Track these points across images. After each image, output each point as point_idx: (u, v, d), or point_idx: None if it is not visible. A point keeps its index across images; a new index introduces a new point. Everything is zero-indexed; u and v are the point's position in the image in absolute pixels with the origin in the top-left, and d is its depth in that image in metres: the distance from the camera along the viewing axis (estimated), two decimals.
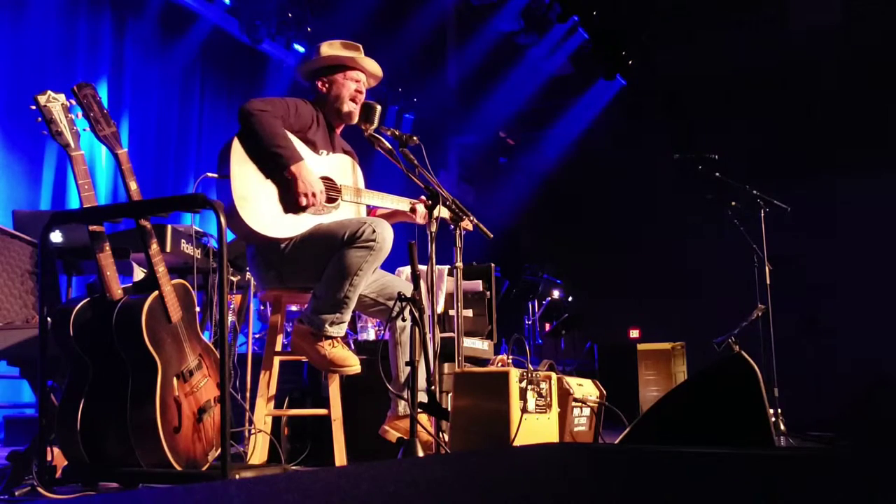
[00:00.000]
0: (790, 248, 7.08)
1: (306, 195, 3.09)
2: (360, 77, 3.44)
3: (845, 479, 1.61)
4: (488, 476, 1.66)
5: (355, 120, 3.37)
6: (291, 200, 3.10)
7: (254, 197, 3.05)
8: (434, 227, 3.14)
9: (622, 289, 9.53)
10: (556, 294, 8.66)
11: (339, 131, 3.49)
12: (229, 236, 2.93)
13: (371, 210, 3.50)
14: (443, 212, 3.21)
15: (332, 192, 3.25)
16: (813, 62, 8.61)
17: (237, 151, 3.06)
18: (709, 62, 8.94)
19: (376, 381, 3.15)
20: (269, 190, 3.10)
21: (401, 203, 3.46)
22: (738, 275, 6.28)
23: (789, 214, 5.71)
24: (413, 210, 3.45)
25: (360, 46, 3.45)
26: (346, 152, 3.46)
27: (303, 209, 3.12)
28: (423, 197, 3.39)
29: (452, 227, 3.27)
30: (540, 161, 10.61)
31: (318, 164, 3.23)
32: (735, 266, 6.34)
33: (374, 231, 3.04)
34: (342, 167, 3.35)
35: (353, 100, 3.39)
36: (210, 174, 3.16)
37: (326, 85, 3.40)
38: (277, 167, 3.08)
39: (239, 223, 3.01)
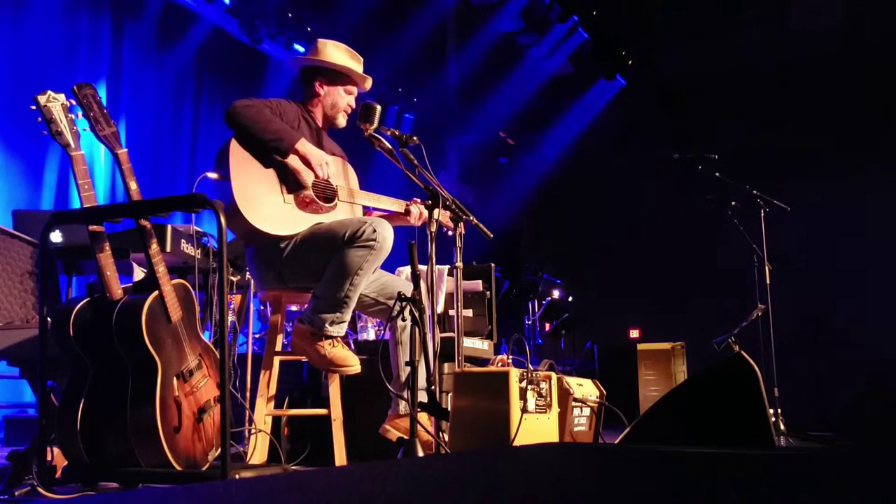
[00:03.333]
0: (790, 248, 7.08)
1: (321, 165, 3.16)
2: (356, 91, 3.50)
3: (845, 479, 1.61)
4: (488, 476, 1.66)
5: (342, 127, 3.47)
6: (296, 179, 3.14)
7: (255, 195, 3.05)
8: (434, 227, 3.14)
9: (622, 289, 9.53)
10: (556, 294, 8.66)
11: (325, 131, 3.51)
12: (229, 236, 2.92)
13: (367, 212, 3.50)
14: (443, 216, 3.21)
15: (329, 191, 3.25)
16: (813, 62, 8.61)
17: (236, 151, 3.06)
18: (709, 62, 8.94)
19: (376, 381, 3.14)
20: (271, 181, 3.11)
21: (395, 205, 3.45)
22: (738, 275, 6.28)
23: (789, 214, 5.71)
24: (407, 211, 3.45)
25: (362, 59, 3.50)
26: (335, 154, 3.46)
27: (306, 189, 3.14)
28: (416, 199, 3.41)
29: (448, 231, 3.28)
30: (540, 161, 10.61)
31: None
32: (735, 266, 6.34)
33: (374, 230, 3.04)
34: (336, 169, 3.35)
35: (344, 111, 3.47)
36: (210, 174, 3.16)
37: (324, 90, 3.42)
38: (279, 152, 3.11)
39: (240, 222, 3.00)
